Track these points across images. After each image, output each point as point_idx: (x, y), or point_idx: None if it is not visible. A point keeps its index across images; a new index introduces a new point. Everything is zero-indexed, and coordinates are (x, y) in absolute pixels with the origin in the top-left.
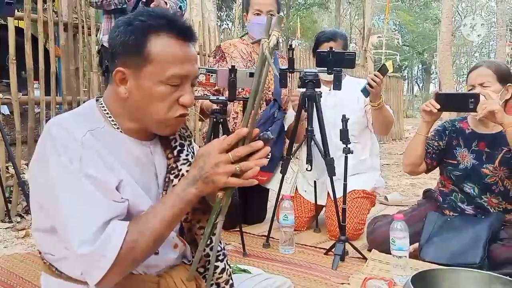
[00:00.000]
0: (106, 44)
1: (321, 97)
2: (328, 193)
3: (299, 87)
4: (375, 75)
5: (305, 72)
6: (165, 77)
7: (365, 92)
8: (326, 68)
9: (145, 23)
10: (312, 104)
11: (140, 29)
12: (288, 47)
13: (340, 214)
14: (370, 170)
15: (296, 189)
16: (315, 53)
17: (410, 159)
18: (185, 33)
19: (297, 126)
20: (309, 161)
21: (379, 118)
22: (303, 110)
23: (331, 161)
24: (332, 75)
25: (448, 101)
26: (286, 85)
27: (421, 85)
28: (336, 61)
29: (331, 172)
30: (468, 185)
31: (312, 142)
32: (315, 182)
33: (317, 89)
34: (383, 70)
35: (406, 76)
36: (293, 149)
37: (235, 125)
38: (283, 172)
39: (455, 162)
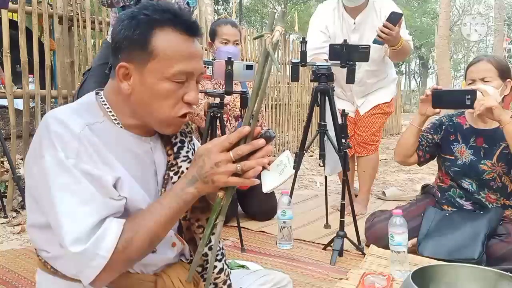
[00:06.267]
0: None
1: (333, 90)
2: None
3: (311, 81)
4: (384, 26)
5: (318, 65)
6: (170, 73)
7: (378, 42)
8: (339, 62)
9: (150, 17)
10: (325, 98)
11: (144, 23)
12: (301, 40)
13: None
14: (391, 82)
15: None
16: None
17: (402, 149)
18: (190, 28)
19: (309, 121)
20: (322, 156)
21: (400, 54)
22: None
23: (345, 156)
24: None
25: (445, 98)
26: (298, 79)
27: (418, 80)
28: (349, 54)
29: (345, 167)
30: (466, 181)
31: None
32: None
33: (330, 83)
34: (392, 18)
35: (404, 71)
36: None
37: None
38: (297, 168)
39: (453, 157)
